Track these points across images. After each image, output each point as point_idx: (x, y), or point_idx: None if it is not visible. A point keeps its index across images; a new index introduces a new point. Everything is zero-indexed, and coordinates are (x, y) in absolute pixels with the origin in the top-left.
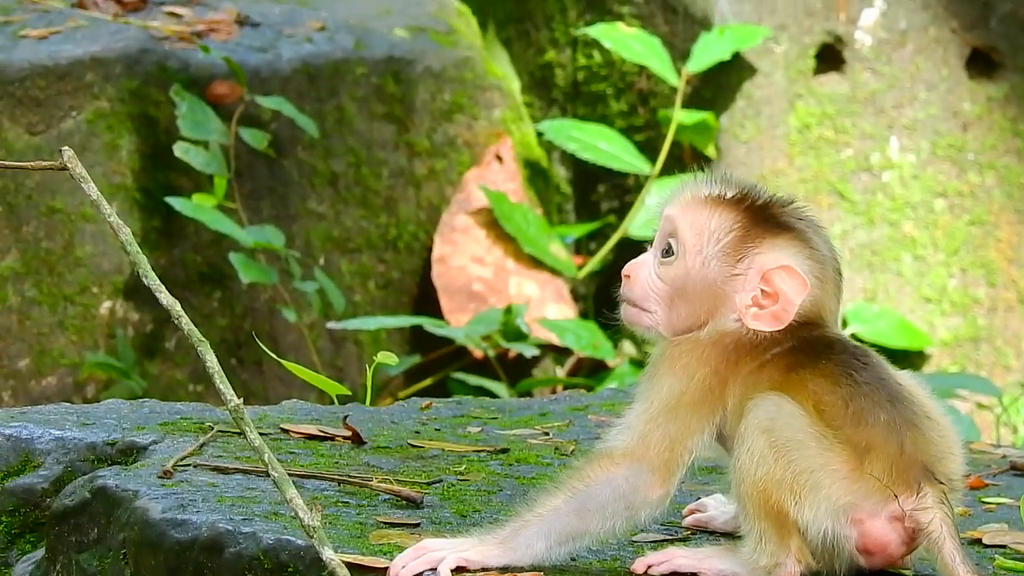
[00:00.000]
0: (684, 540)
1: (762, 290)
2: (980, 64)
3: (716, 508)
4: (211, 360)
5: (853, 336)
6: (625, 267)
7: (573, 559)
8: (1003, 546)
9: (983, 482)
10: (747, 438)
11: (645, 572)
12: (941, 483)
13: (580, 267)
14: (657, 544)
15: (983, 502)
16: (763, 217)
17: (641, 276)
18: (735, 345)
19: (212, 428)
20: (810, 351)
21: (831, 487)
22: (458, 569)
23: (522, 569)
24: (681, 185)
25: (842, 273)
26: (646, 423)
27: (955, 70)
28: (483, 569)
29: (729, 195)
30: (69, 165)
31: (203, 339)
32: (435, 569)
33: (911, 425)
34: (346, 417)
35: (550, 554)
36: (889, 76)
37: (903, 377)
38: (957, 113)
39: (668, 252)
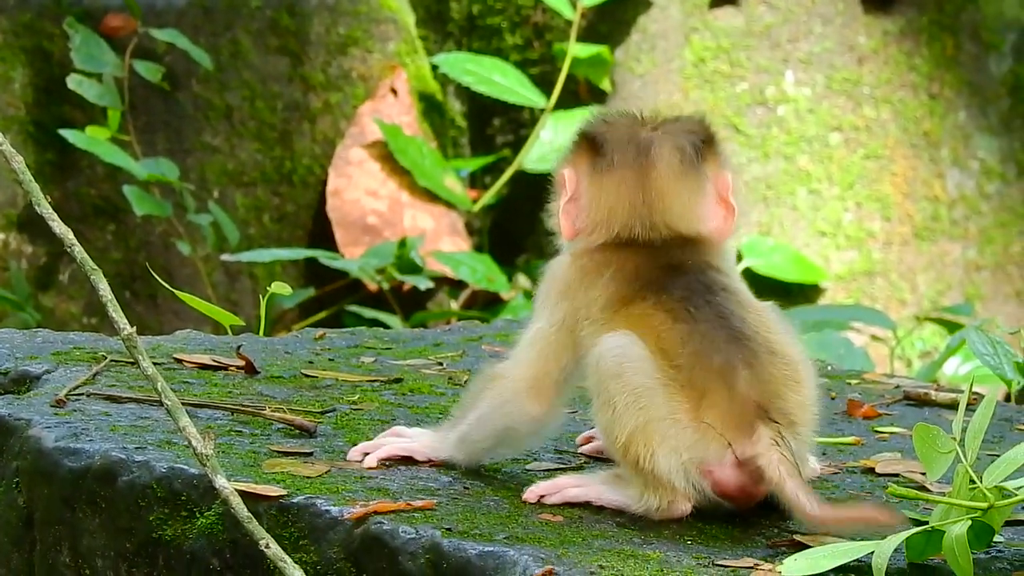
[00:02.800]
0: (577, 469)
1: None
2: None
3: None
4: (104, 288)
5: (747, 270)
6: None
7: (466, 487)
8: (896, 475)
9: (876, 412)
10: (599, 387)
11: (537, 501)
12: (776, 421)
13: (475, 201)
14: (550, 472)
15: (876, 431)
16: (587, 128)
17: None
18: (582, 265)
19: (105, 358)
20: (655, 278)
21: (677, 438)
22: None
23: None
24: None
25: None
26: (522, 344)
27: (851, 4)
28: (429, 460)
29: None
30: None
31: (96, 268)
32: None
33: (747, 363)
34: (239, 347)
35: (467, 460)
36: (784, 10)
37: (759, 309)
38: (853, 47)
39: None
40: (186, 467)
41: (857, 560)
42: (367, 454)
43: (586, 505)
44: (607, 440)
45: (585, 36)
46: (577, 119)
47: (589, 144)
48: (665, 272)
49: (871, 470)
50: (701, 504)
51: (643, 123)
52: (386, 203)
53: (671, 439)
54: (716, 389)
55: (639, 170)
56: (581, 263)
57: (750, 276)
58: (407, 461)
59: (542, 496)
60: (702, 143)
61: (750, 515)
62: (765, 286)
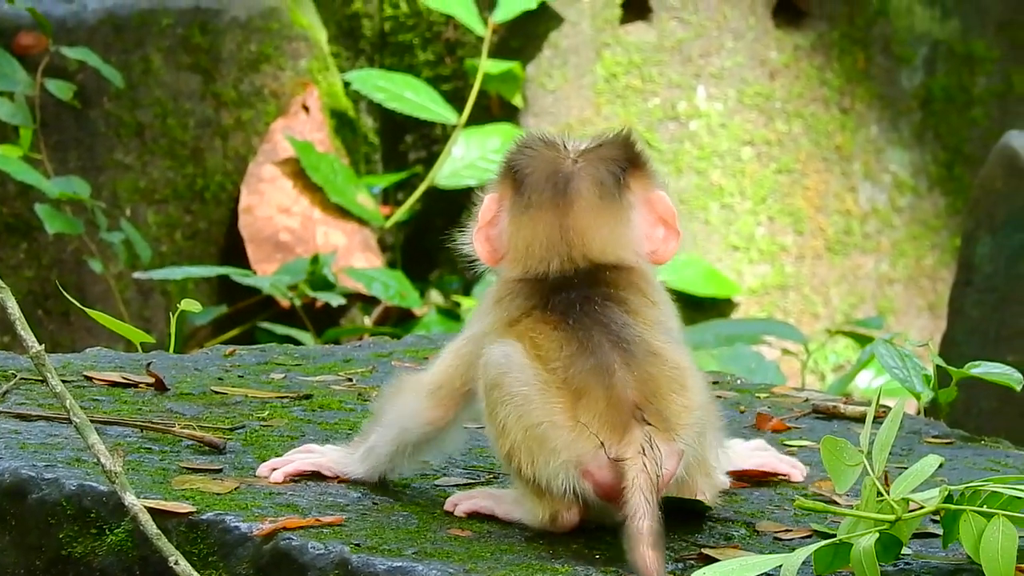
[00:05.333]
0: (487, 483)
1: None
2: (787, 13)
3: None
4: (12, 306)
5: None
6: None
7: (375, 503)
8: (804, 487)
9: (785, 425)
10: (485, 398)
11: (452, 510)
12: (649, 423)
13: (387, 217)
14: (459, 488)
15: (785, 445)
16: (511, 158)
17: None
18: (499, 287)
19: (15, 376)
20: (545, 298)
21: (555, 441)
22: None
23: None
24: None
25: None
26: (441, 359)
27: (762, 19)
28: (337, 476)
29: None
30: None
31: (3, 285)
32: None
33: (624, 364)
34: (149, 364)
35: (376, 471)
36: (696, 25)
37: (651, 320)
38: (764, 62)
39: None
40: (95, 484)
41: (765, 573)
42: (275, 470)
43: (495, 520)
44: (496, 451)
45: (497, 52)
46: (489, 135)
47: (511, 176)
48: (554, 291)
49: (780, 483)
50: (593, 515)
51: (565, 153)
52: (298, 220)
53: (549, 441)
54: (592, 389)
55: (557, 210)
56: (499, 286)
57: None
58: (317, 477)
59: (456, 505)
60: (624, 170)
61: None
62: (678, 301)
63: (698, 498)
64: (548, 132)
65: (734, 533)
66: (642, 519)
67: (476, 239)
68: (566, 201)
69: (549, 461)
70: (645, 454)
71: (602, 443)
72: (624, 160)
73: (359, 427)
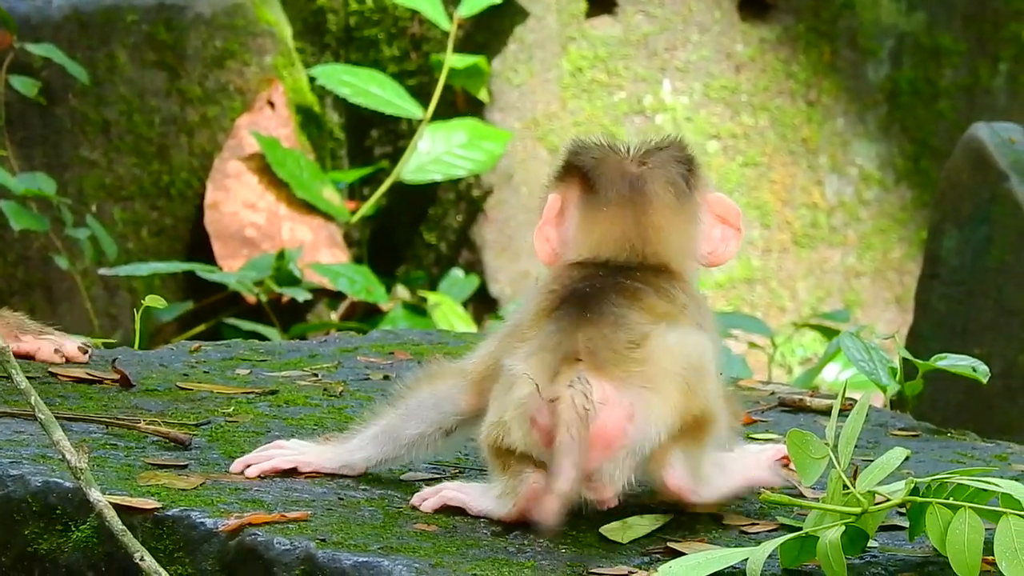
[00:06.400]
0: (452, 477)
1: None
2: (753, 6)
3: None
4: None
5: None
6: None
7: (341, 498)
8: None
9: (752, 419)
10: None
11: (420, 505)
12: (580, 359)
13: (353, 212)
14: (426, 482)
15: (752, 438)
16: (564, 160)
17: None
18: (545, 280)
19: None
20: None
21: (512, 400)
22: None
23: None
24: None
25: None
26: (482, 348)
27: (728, 12)
28: (316, 472)
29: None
30: None
31: None
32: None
33: (584, 330)
34: (114, 360)
35: (381, 455)
36: (661, 18)
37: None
38: (730, 55)
39: None
40: (61, 481)
41: (731, 567)
42: (250, 465)
43: (462, 514)
44: (479, 438)
45: (462, 47)
46: (455, 130)
47: (579, 176)
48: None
49: None
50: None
51: (626, 155)
52: (264, 215)
53: (510, 405)
54: (545, 345)
55: (635, 207)
56: (545, 279)
57: None
58: (284, 473)
59: (425, 499)
60: (690, 171)
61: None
62: None
63: (671, 479)
64: (599, 136)
65: (700, 526)
66: (564, 456)
67: (537, 236)
68: (644, 199)
69: (512, 422)
70: (573, 386)
71: (536, 385)
72: (687, 162)
73: (324, 422)
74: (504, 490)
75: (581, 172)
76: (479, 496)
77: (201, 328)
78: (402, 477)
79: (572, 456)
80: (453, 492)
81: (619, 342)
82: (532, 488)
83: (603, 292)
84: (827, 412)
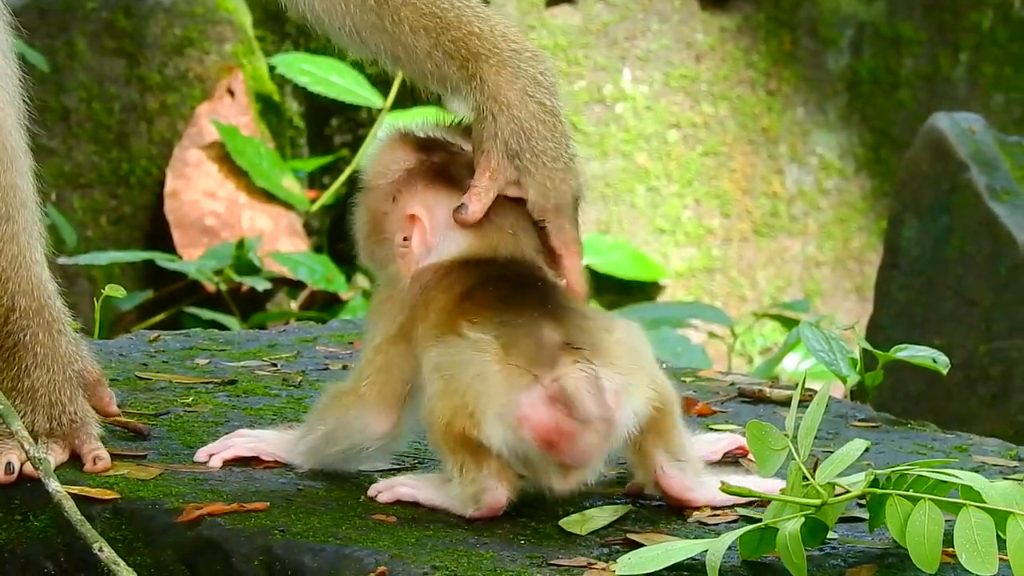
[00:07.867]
0: (411, 469)
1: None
2: None
3: None
4: None
5: (586, 268)
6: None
7: (300, 489)
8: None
9: (711, 409)
10: (427, 383)
11: (374, 497)
12: (579, 348)
13: (313, 201)
14: (384, 474)
15: (711, 429)
16: (422, 160)
17: None
18: (424, 281)
19: None
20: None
21: (491, 392)
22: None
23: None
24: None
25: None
26: (364, 363)
27: (688, 1)
28: (275, 458)
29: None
30: None
31: None
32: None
33: (555, 319)
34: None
35: (326, 467)
36: (622, 7)
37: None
38: (690, 44)
39: None
40: None
41: (691, 558)
42: (213, 455)
43: (419, 505)
44: (433, 431)
45: None
46: (415, 118)
47: (431, 175)
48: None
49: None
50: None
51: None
52: (224, 204)
53: (486, 395)
54: (522, 340)
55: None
56: (423, 280)
57: (589, 274)
58: (242, 462)
59: (380, 492)
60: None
61: (586, 504)
62: (604, 284)
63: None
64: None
65: (659, 518)
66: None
67: (403, 252)
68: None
69: (488, 414)
70: (579, 363)
71: (535, 375)
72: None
73: (283, 412)
74: (464, 493)
75: (434, 171)
76: (433, 491)
77: (161, 317)
78: (362, 468)
79: (599, 407)
80: (407, 488)
81: (596, 330)
82: (496, 499)
83: (534, 283)
84: (787, 403)
